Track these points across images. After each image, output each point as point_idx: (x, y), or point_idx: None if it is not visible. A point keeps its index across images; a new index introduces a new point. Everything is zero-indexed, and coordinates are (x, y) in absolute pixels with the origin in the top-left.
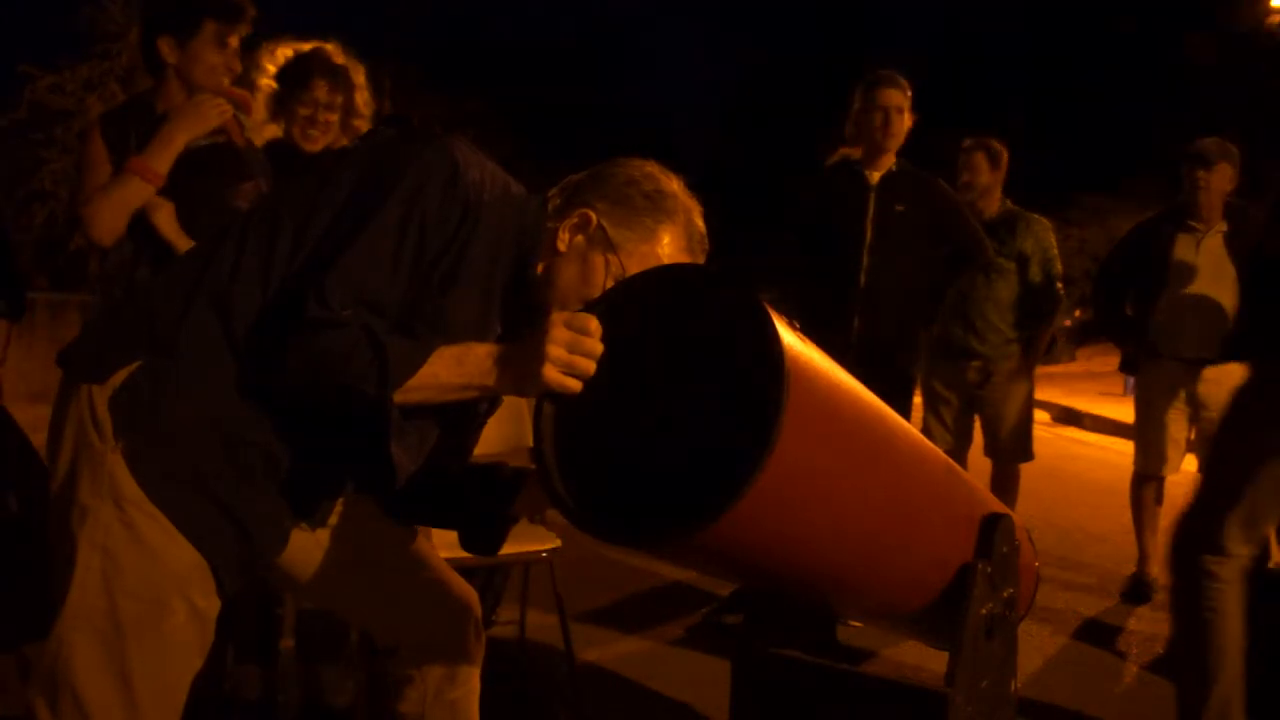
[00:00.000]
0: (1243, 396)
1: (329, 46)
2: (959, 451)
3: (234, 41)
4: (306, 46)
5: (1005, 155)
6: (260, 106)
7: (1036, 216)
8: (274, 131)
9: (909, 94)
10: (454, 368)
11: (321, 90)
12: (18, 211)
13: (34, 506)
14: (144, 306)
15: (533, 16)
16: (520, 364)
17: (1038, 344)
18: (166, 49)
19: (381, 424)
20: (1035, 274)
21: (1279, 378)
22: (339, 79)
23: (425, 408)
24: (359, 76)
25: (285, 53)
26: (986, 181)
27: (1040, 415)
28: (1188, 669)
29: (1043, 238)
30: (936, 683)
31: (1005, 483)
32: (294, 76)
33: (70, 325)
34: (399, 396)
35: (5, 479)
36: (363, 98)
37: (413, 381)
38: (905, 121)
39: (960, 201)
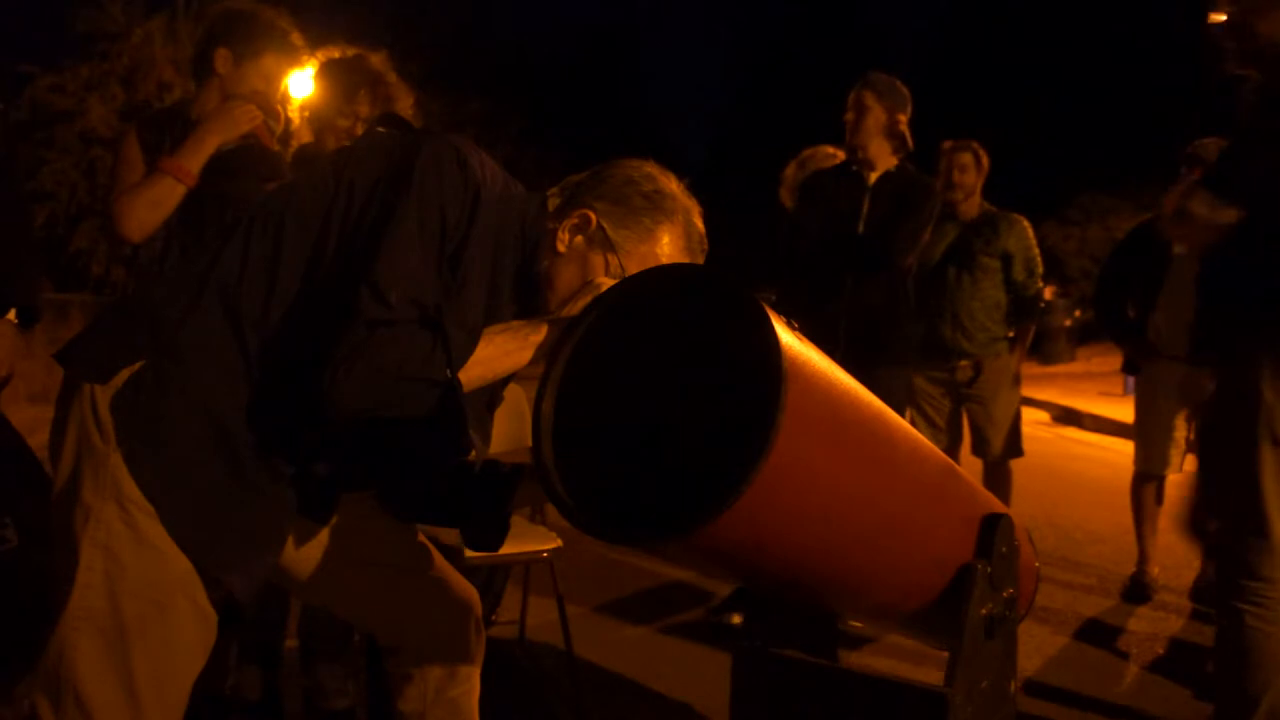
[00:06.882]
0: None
1: (375, 58)
2: (950, 450)
3: (284, 81)
4: (351, 53)
5: (985, 158)
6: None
7: (1017, 216)
8: (306, 137)
9: (896, 96)
10: (506, 334)
11: (364, 104)
12: None
13: (35, 536)
14: (147, 306)
15: (533, 17)
16: None
17: (1024, 341)
18: (221, 60)
19: (454, 409)
20: (1019, 272)
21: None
22: (380, 92)
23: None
24: (403, 92)
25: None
26: (973, 181)
27: (1040, 415)
28: (1230, 683)
29: (1024, 237)
30: (936, 683)
31: (996, 481)
32: (336, 85)
33: (71, 326)
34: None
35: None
36: (408, 114)
37: (471, 359)
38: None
39: (932, 201)
